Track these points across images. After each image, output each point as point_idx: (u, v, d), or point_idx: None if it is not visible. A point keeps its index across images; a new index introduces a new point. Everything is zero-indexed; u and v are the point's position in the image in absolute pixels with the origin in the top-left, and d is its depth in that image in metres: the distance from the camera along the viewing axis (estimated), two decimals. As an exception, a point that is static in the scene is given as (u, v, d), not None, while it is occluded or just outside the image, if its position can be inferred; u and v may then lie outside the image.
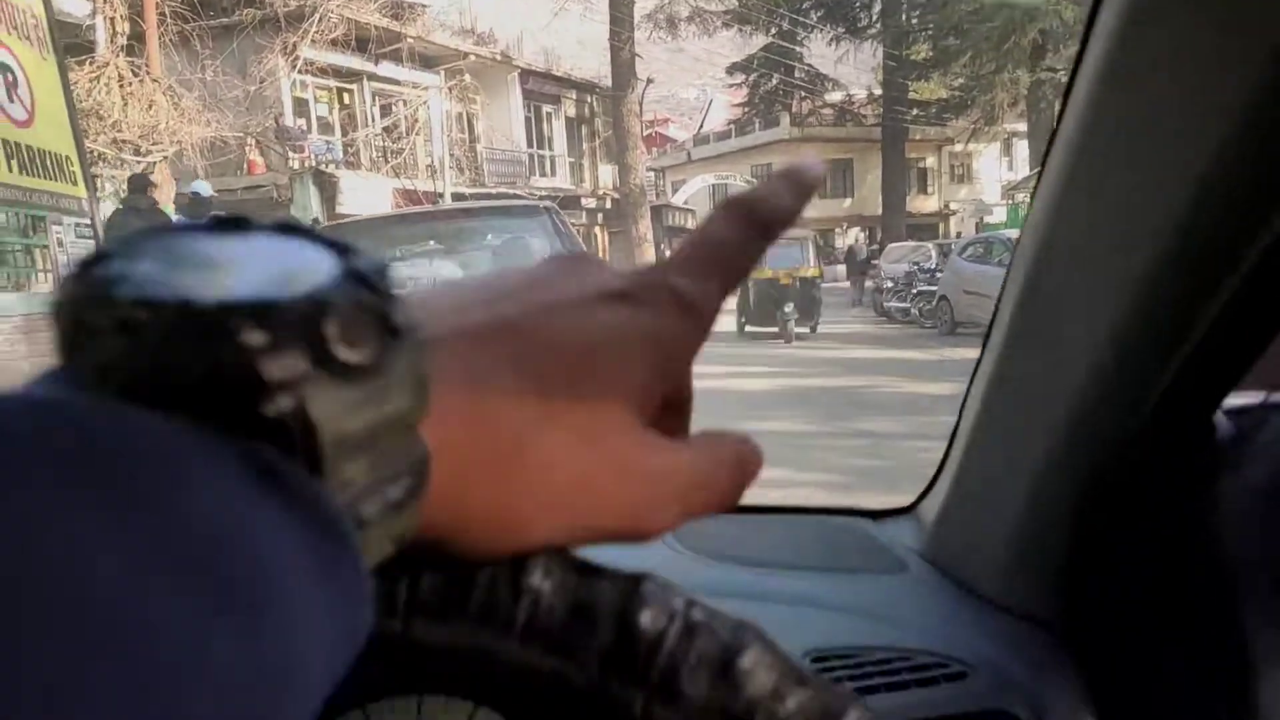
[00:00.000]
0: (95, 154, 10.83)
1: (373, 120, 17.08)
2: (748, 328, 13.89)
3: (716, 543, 0.94)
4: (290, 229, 0.21)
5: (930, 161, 32.92)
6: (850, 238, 31.41)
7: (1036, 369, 0.64)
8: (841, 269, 28.65)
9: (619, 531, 0.26)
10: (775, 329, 13.16)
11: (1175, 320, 0.50)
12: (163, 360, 0.18)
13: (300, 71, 15.02)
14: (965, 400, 0.77)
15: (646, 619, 0.25)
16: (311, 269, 0.20)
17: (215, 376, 0.18)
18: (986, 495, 0.75)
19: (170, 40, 13.38)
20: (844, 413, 7.00)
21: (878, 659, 0.71)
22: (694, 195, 30.05)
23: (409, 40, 16.50)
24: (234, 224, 0.21)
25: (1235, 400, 0.57)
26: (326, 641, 0.18)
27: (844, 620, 0.77)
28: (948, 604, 0.79)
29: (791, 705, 0.25)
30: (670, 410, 0.30)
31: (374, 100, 17.20)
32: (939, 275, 14.06)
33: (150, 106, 12.08)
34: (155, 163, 11.71)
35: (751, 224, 0.30)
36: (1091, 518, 0.65)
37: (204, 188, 9.07)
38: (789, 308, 12.93)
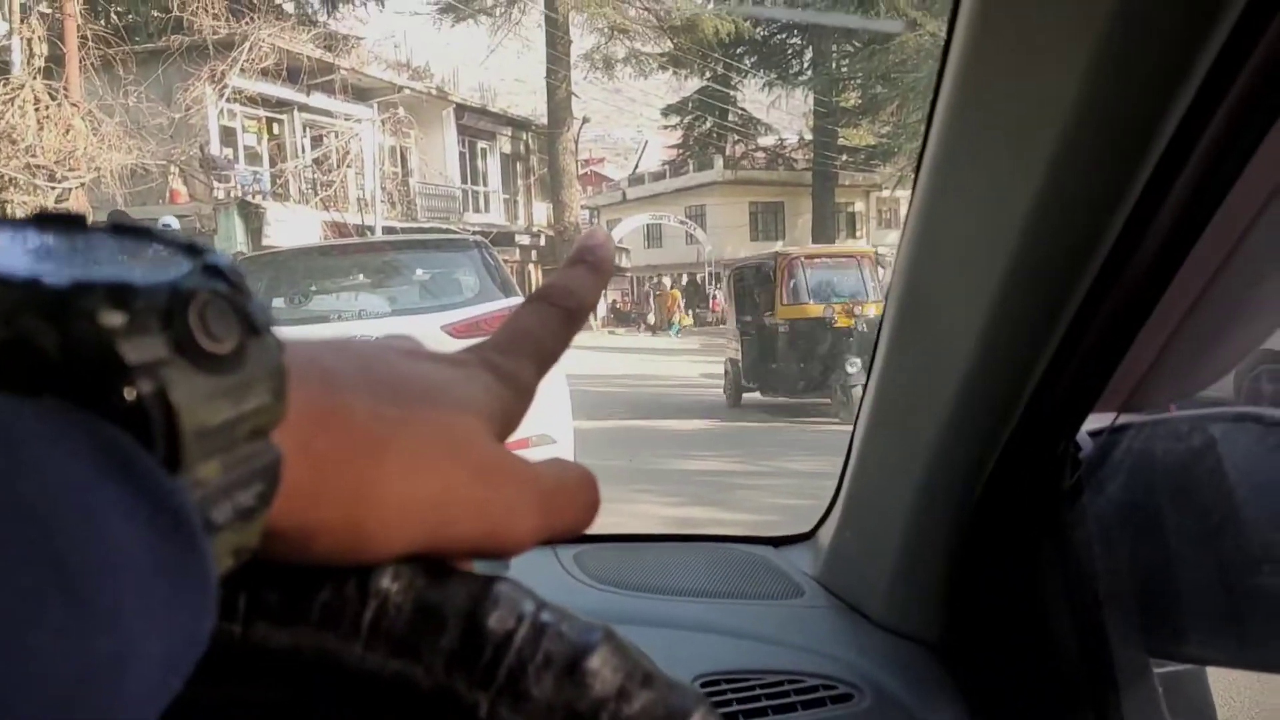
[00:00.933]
0: (6, 179, 10.46)
1: (303, 151, 16.85)
2: (759, 394, 9.35)
3: (620, 572, 0.94)
4: (131, 229, 0.21)
5: (859, 206, 33.75)
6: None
7: (908, 400, 0.66)
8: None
9: (479, 540, 0.26)
10: (821, 398, 8.47)
11: (1026, 346, 0.53)
12: (8, 337, 0.17)
13: (228, 100, 14.77)
14: (854, 428, 0.79)
15: (494, 620, 0.24)
16: (165, 261, 0.19)
17: (70, 357, 0.17)
18: (872, 522, 0.77)
19: (92, 64, 13.04)
20: (774, 452, 7.07)
21: (767, 682, 0.71)
22: (629, 234, 30.27)
23: (342, 72, 16.39)
24: (67, 221, 0.20)
25: (1093, 423, 0.60)
26: (166, 644, 0.17)
27: (738, 645, 0.78)
28: (838, 627, 0.80)
29: (637, 705, 0.25)
30: None
31: (304, 131, 16.98)
32: (866, 318, 14.16)
33: (68, 131, 11.72)
34: (71, 189, 11.35)
35: (555, 314, 0.32)
36: (968, 541, 0.67)
37: (173, 221, 9.04)
38: (853, 366, 7.96)
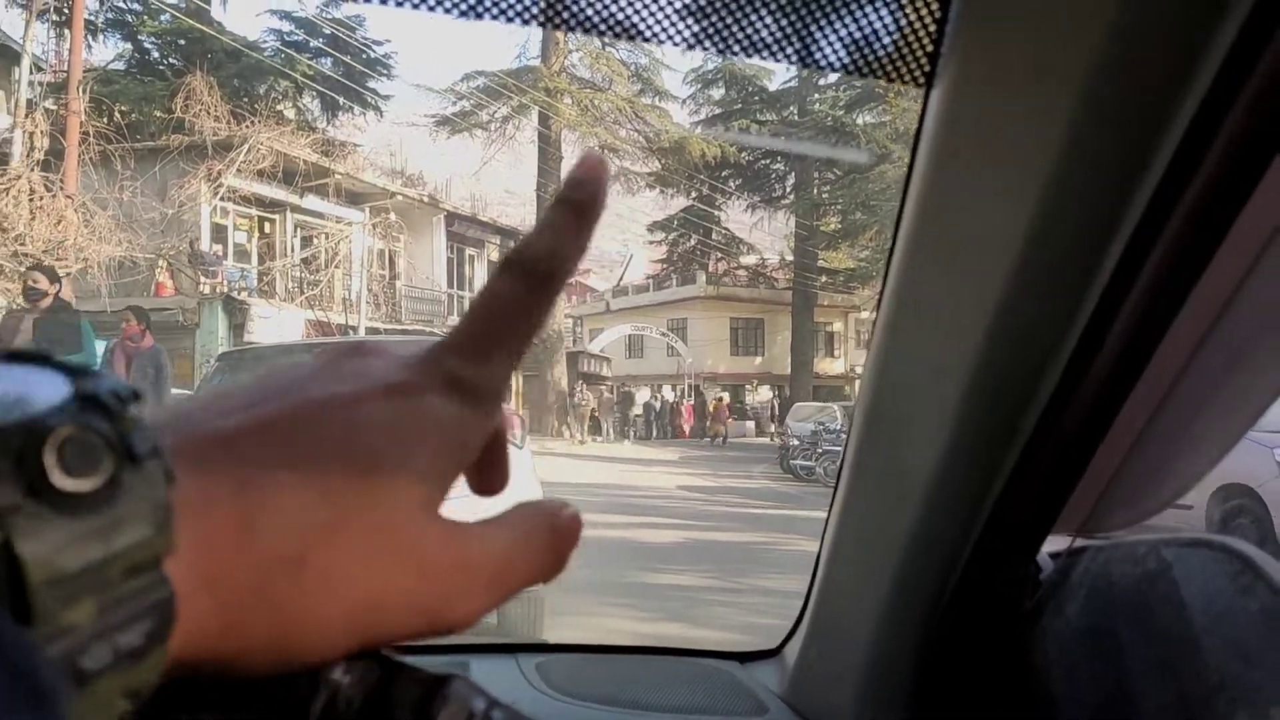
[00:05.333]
0: (-8, 265, 10.53)
1: (292, 251, 17.06)
2: None
3: (582, 683, 0.92)
4: (22, 356, 0.20)
5: (838, 326, 34.32)
6: (760, 395, 32.21)
7: (871, 520, 0.67)
8: (751, 425, 29.22)
9: (421, 629, 0.26)
10: None
11: (986, 467, 0.54)
12: None
13: (222, 198, 15.04)
14: (820, 547, 0.80)
15: (445, 716, 0.25)
16: (39, 394, 0.18)
17: None
18: (836, 641, 0.77)
19: (91, 159, 13.31)
20: (744, 569, 6.96)
21: (727, 804, 0.69)
22: (610, 344, 30.56)
23: (337, 176, 16.76)
24: None
25: (1053, 544, 0.61)
26: None
27: (699, 764, 0.76)
28: (801, 748, 0.78)
29: None
30: (487, 461, 0.29)
31: (295, 231, 17.24)
32: (844, 436, 14.27)
33: (59, 222, 11.86)
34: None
35: (532, 279, 0.28)
36: (932, 661, 0.67)
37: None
38: None
